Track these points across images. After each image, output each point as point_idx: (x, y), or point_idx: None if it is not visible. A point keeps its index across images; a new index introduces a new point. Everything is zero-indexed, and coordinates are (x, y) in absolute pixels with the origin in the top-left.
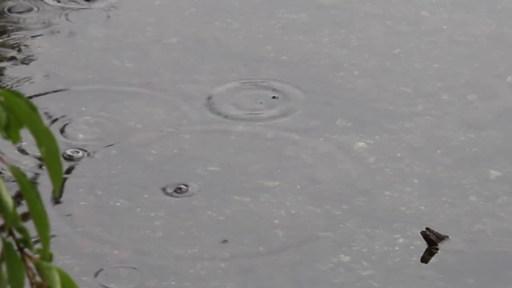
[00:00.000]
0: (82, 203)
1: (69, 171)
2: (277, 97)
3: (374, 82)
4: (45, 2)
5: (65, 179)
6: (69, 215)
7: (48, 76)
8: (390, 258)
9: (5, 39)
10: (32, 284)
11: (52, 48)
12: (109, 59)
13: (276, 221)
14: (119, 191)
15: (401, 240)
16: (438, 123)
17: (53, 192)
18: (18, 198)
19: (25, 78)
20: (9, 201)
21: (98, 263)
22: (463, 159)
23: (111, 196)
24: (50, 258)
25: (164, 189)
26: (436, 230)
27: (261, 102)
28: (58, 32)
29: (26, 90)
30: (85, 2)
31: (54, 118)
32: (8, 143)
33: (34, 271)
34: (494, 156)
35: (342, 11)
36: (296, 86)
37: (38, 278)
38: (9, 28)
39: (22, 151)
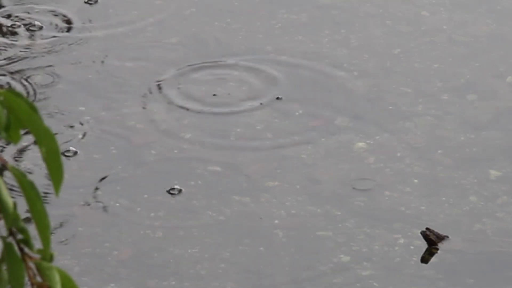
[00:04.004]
0: (82, 203)
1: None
2: (281, 98)
3: (374, 82)
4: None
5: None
6: (69, 215)
7: (48, 75)
8: (390, 258)
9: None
10: (32, 284)
11: (52, 48)
12: (109, 59)
13: (276, 221)
14: (119, 191)
15: (401, 240)
16: (438, 123)
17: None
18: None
19: (25, 78)
20: (9, 201)
21: (98, 263)
22: (463, 159)
23: (111, 196)
24: (50, 258)
25: (164, 189)
26: (436, 230)
27: (261, 104)
28: (58, 32)
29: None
30: (86, 4)
31: None
32: None
33: (35, 271)
34: (494, 156)
35: (342, 11)
36: (296, 86)
37: (38, 278)
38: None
39: None
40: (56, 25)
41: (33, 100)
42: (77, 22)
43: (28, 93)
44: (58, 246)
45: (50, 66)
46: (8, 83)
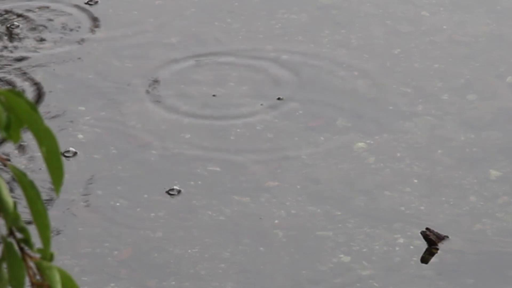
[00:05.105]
0: (82, 203)
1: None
2: (282, 99)
3: (374, 82)
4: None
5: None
6: (69, 215)
7: (48, 76)
8: (390, 258)
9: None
10: (32, 283)
11: (52, 48)
12: (109, 59)
13: (276, 221)
14: (119, 191)
15: (401, 240)
16: (438, 123)
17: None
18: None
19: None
20: (9, 201)
21: (98, 263)
22: (463, 159)
23: (111, 196)
24: (50, 257)
25: (163, 190)
26: (436, 230)
27: (262, 104)
28: (58, 32)
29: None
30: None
31: None
32: None
33: (35, 270)
34: (494, 156)
35: (342, 11)
36: (296, 86)
37: (38, 278)
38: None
39: None
40: (56, 25)
41: (35, 101)
42: (77, 23)
43: (28, 92)
44: (58, 246)
45: (50, 66)
46: (9, 82)
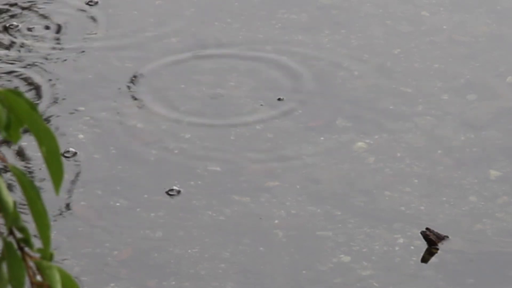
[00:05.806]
0: (82, 203)
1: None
2: (282, 99)
3: (374, 82)
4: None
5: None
6: (69, 215)
7: (48, 76)
8: (390, 258)
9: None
10: (32, 283)
11: (51, 48)
12: (109, 59)
13: (276, 221)
14: (119, 191)
15: (401, 240)
16: (438, 123)
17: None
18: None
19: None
20: (9, 200)
21: (98, 263)
22: (463, 159)
23: (111, 196)
24: (50, 257)
25: (163, 190)
26: (436, 230)
27: (262, 105)
28: (58, 32)
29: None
30: (85, 4)
31: None
32: None
33: (35, 270)
34: (494, 156)
35: (342, 11)
36: (296, 86)
37: (38, 278)
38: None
39: None
40: (56, 25)
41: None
42: (77, 23)
43: (28, 92)
44: (58, 246)
45: (50, 66)
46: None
